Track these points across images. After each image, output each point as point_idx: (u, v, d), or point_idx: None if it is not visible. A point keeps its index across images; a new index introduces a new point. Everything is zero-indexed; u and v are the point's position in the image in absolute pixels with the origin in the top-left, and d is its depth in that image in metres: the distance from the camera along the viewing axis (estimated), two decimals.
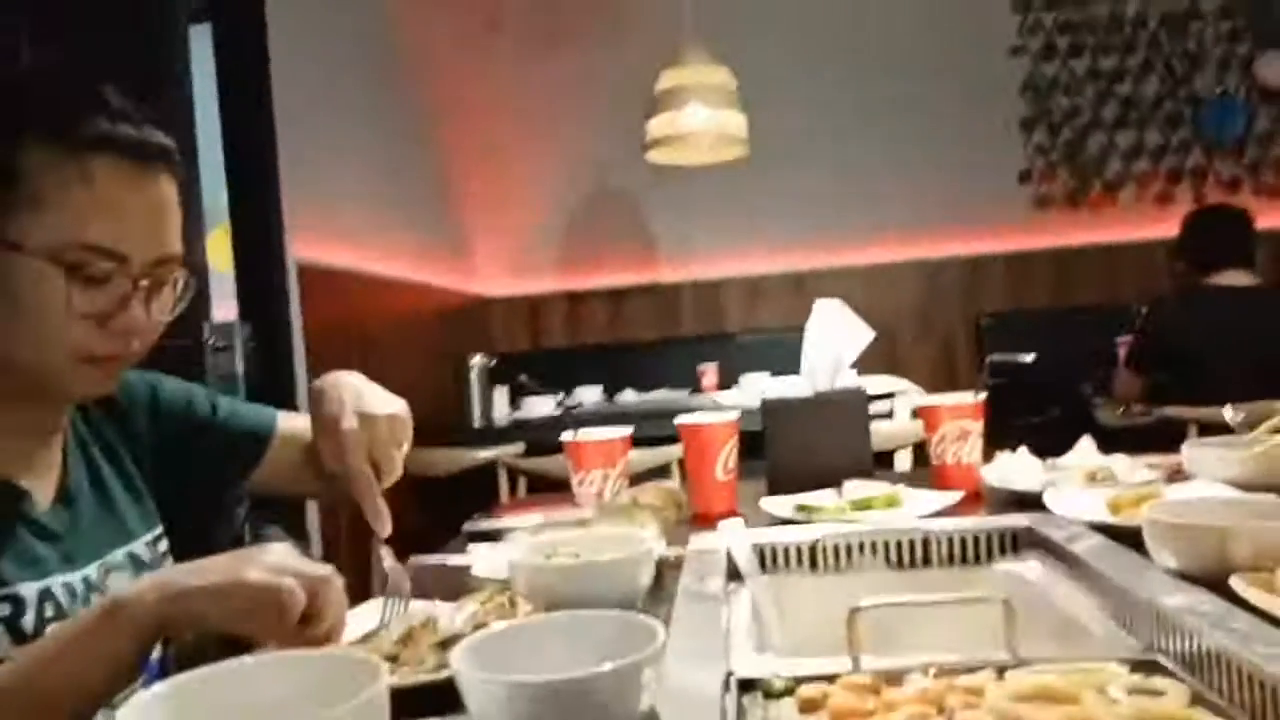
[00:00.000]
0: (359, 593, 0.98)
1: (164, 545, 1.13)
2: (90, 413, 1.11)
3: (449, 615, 0.91)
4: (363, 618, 0.97)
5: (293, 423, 1.24)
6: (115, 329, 0.95)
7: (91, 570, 1.00)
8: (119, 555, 1.05)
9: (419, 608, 0.97)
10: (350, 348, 3.25)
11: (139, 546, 1.08)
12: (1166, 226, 3.36)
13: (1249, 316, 2.79)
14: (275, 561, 0.79)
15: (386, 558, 1.01)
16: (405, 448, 1.10)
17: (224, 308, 2.84)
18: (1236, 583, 0.82)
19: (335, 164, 3.28)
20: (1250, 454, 1.22)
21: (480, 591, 1.00)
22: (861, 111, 4.75)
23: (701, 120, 3.40)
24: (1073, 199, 4.77)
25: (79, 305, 0.92)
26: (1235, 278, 2.85)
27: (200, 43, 2.78)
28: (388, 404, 1.10)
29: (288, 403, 2.90)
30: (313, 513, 2.79)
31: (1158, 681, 0.70)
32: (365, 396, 1.09)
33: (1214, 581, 0.84)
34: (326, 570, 0.83)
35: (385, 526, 1.02)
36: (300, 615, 0.77)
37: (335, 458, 1.04)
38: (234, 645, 0.78)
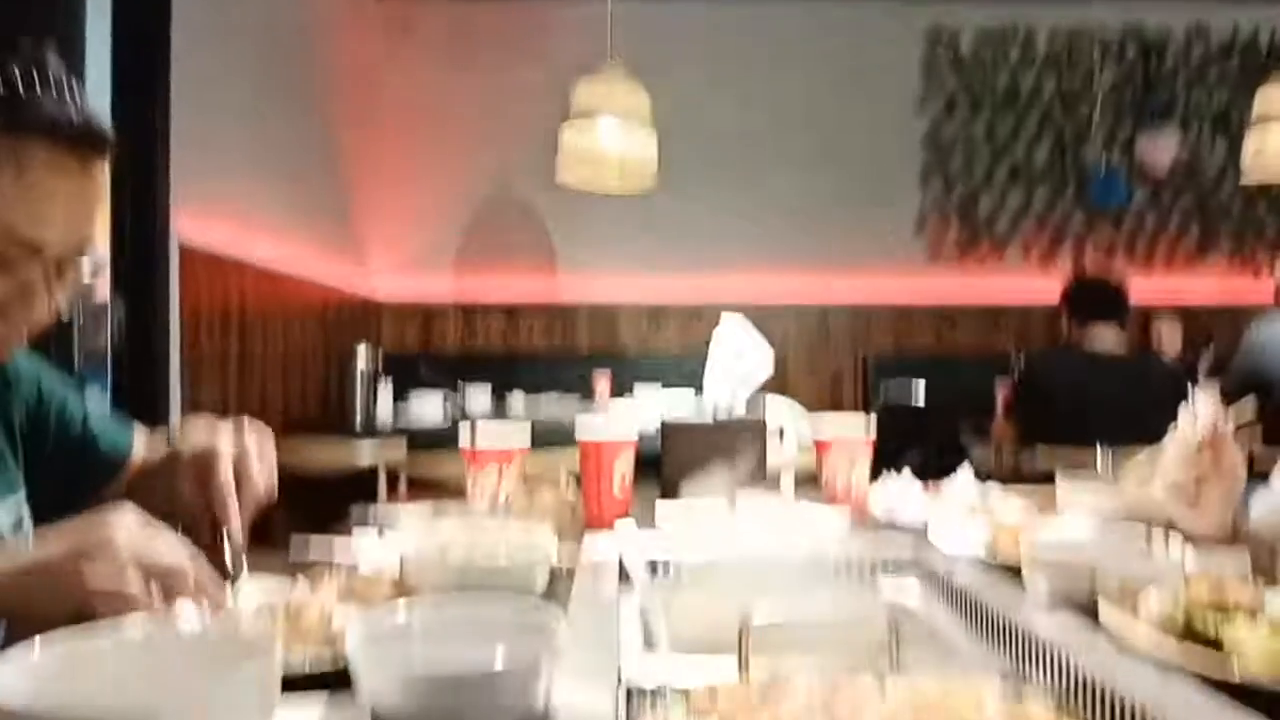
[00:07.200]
0: None
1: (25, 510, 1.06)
2: None
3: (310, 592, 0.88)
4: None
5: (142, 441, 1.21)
6: (13, 314, 0.89)
7: None
8: None
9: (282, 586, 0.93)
10: (228, 333, 3.12)
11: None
12: (1047, 284, 3.54)
13: (1116, 377, 2.95)
14: (122, 559, 0.76)
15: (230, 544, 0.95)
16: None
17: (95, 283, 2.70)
18: (1104, 611, 0.86)
19: (230, 148, 3.15)
20: (1118, 490, 1.30)
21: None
22: (770, 149, 4.87)
23: (613, 137, 3.40)
24: (963, 251, 4.98)
25: None
26: (1106, 334, 3.00)
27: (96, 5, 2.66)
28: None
29: (159, 385, 2.76)
30: None
31: (1028, 696, 0.73)
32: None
33: (1085, 609, 0.90)
34: (180, 559, 0.79)
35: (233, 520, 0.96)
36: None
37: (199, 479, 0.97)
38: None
